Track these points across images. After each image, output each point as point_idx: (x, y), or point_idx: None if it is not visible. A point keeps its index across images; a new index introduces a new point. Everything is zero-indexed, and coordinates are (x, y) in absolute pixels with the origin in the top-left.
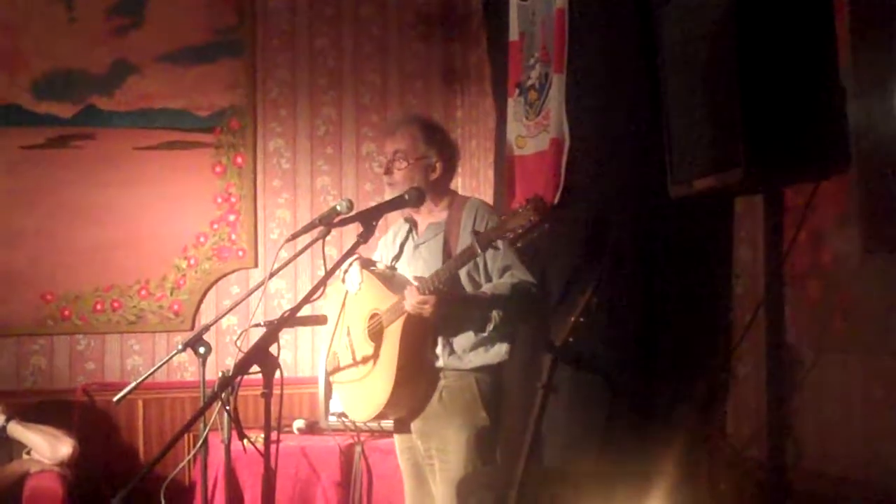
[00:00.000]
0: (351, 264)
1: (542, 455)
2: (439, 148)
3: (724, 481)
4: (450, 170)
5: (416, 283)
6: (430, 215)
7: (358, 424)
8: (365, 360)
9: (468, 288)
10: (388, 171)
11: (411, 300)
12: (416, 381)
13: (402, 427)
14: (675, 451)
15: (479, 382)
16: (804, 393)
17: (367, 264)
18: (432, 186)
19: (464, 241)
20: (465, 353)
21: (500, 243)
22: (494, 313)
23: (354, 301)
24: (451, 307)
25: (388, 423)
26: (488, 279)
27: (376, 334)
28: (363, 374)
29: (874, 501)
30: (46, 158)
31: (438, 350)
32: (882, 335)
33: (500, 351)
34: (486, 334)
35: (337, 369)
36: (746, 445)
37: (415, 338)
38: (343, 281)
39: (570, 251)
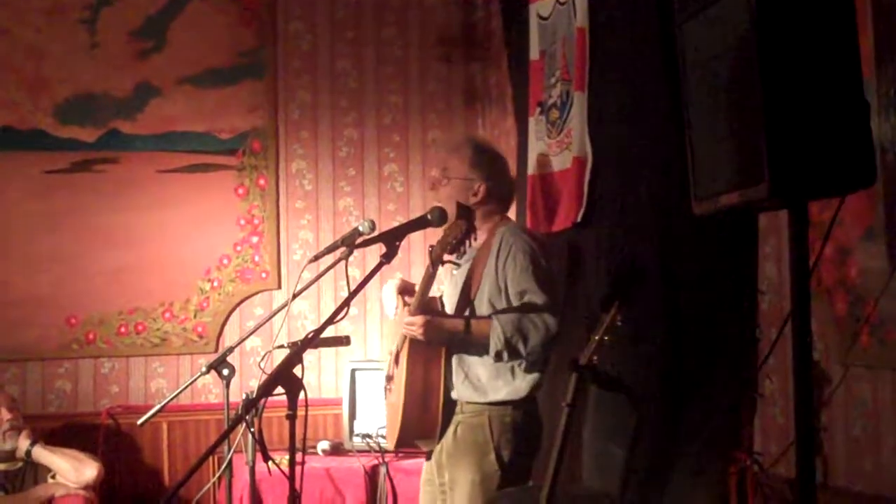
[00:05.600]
0: (384, 288)
1: (581, 474)
2: (485, 172)
3: (753, 500)
4: (495, 196)
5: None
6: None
7: (382, 445)
8: (394, 386)
9: (489, 313)
10: (433, 187)
11: (403, 321)
12: (425, 407)
13: (430, 456)
14: (701, 469)
15: (493, 422)
16: (832, 409)
17: (405, 288)
18: (466, 208)
19: (489, 271)
20: (483, 384)
21: (518, 266)
22: (496, 340)
23: (397, 326)
24: (442, 329)
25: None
26: (510, 304)
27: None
28: (393, 402)
29: None
30: (70, 183)
31: (454, 377)
32: None
33: (521, 385)
34: (502, 364)
35: (387, 396)
36: (774, 463)
37: (420, 361)
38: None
39: (593, 269)
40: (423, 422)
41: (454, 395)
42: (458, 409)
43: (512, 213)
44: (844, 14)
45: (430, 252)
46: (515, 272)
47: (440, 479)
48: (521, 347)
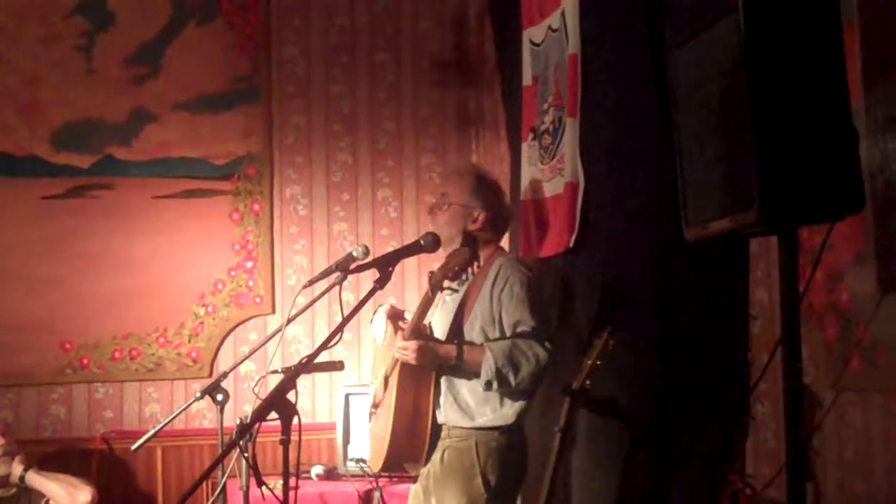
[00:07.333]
0: (376, 313)
1: (571, 499)
2: (486, 202)
3: None
4: (493, 225)
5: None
6: None
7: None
8: (382, 410)
9: (481, 342)
10: (432, 212)
11: (396, 345)
12: (413, 431)
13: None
14: (694, 493)
15: (479, 447)
16: (823, 433)
17: (395, 314)
18: (470, 236)
19: (483, 300)
20: (470, 408)
21: (514, 297)
22: (487, 370)
23: (386, 351)
24: (435, 355)
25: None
26: (503, 334)
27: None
28: (378, 424)
29: None
30: (65, 208)
31: (441, 399)
32: None
33: (508, 412)
34: (491, 392)
35: (371, 418)
36: (767, 486)
37: (410, 385)
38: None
39: (585, 294)
40: (411, 444)
41: (441, 418)
42: (445, 433)
43: (505, 238)
44: (832, 41)
45: (430, 277)
46: (511, 303)
47: None
48: (511, 378)
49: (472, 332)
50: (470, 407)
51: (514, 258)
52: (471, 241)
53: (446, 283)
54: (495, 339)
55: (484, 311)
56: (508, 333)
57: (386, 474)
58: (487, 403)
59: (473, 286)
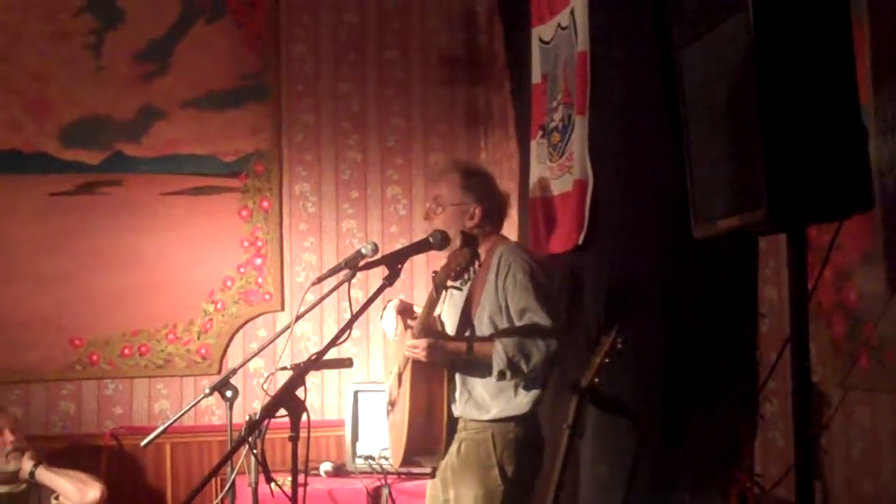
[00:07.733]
0: (385, 308)
1: (579, 496)
2: (478, 195)
3: None
4: (491, 217)
5: (412, 328)
6: None
7: (385, 467)
8: (397, 407)
9: (490, 333)
10: (428, 217)
11: (406, 344)
12: (429, 426)
13: (435, 474)
14: (702, 492)
15: (496, 438)
16: (831, 432)
17: (404, 309)
18: (469, 236)
19: (489, 290)
20: (486, 402)
21: (518, 284)
22: (498, 360)
23: (398, 347)
24: (445, 351)
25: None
26: (511, 323)
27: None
28: (395, 421)
29: None
30: (74, 205)
31: (457, 395)
32: None
33: (523, 401)
34: (505, 382)
35: (388, 415)
36: (775, 486)
37: (423, 381)
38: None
39: (594, 291)
40: (427, 439)
41: (457, 412)
42: (461, 426)
43: (514, 235)
44: (842, 39)
45: (434, 277)
46: (516, 291)
47: (445, 496)
48: (523, 366)
49: (481, 323)
50: (485, 400)
51: (514, 245)
52: (470, 241)
53: (449, 283)
54: (504, 330)
55: (490, 301)
56: (516, 321)
57: (395, 471)
58: (502, 394)
59: (479, 278)
